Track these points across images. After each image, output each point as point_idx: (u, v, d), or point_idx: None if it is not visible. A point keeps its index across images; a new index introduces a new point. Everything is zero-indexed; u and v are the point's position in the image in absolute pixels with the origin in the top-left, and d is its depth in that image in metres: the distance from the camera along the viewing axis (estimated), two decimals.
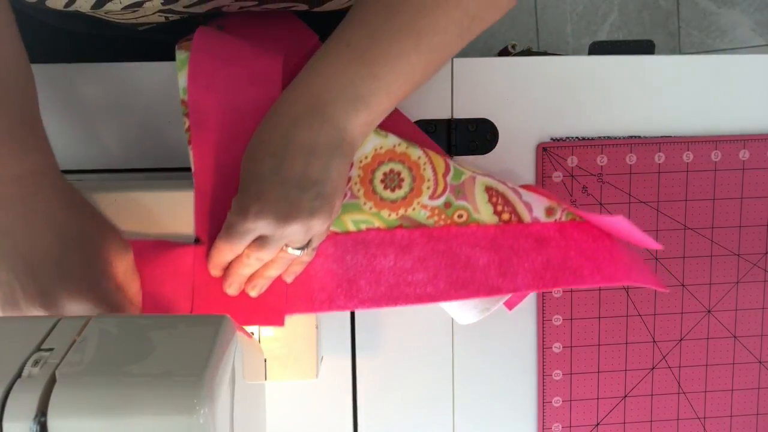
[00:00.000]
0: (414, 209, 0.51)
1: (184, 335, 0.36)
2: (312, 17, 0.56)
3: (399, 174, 0.51)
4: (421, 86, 0.46)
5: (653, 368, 0.61)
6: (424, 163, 0.51)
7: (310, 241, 0.46)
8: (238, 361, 0.43)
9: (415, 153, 0.51)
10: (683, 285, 0.61)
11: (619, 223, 0.50)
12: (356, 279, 0.51)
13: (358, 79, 0.43)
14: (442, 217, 0.52)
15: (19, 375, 0.33)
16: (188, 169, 0.56)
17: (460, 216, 0.52)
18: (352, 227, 0.51)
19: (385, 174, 0.51)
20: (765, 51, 1.54)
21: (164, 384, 0.32)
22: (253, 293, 0.48)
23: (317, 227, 0.45)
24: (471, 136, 0.57)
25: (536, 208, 0.53)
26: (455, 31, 0.44)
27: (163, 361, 0.34)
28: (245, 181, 0.44)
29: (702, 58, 0.59)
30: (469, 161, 0.58)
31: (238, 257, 0.46)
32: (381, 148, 0.50)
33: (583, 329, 0.60)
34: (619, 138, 0.59)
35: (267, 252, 0.45)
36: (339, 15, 0.56)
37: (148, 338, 0.36)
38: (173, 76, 0.55)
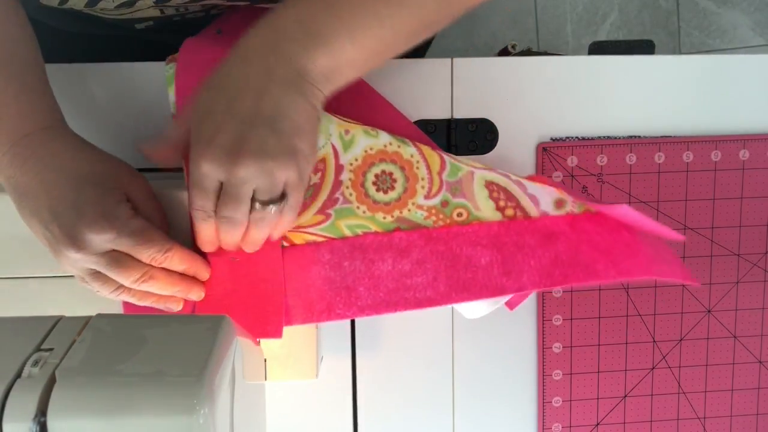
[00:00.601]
0: (409, 210, 0.50)
1: (184, 335, 0.36)
2: None
3: (391, 174, 0.49)
4: (394, 53, 0.45)
5: (653, 368, 0.61)
6: (417, 162, 0.49)
7: (284, 195, 0.43)
8: (238, 361, 0.43)
9: (408, 151, 0.49)
10: (683, 285, 0.61)
11: (626, 214, 0.48)
12: (355, 286, 0.50)
13: (320, 15, 0.42)
14: (441, 216, 0.50)
15: (19, 375, 0.33)
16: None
17: (459, 215, 0.50)
18: (348, 232, 0.50)
19: (376, 176, 0.49)
20: (765, 51, 1.54)
21: (164, 384, 0.32)
22: (249, 250, 0.47)
23: (279, 172, 0.41)
24: (471, 136, 0.57)
25: (543, 200, 0.50)
26: (434, 6, 0.43)
27: (162, 362, 0.34)
28: (195, 120, 0.42)
29: (702, 58, 0.59)
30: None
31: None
32: (371, 149, 0.49)
33: (583, 329, 0.60)
34: (619, 138, 0.59)
35: (232, 207, 0.42)
36: None
37: (147, 338, 0.36)
38: None
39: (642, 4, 1.53)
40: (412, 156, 0.49)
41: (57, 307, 0.52)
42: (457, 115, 0.57)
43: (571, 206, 0.50)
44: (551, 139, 0.58)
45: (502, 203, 0.50)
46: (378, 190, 0.49)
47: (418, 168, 0.50)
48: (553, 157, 0.58)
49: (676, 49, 1.54)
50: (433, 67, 0.56)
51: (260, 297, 0.49)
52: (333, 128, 0.48)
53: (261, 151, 0.40)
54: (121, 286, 0.45)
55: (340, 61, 0.43)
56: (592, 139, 0.58)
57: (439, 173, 0.50)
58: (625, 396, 0.61)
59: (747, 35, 1.54)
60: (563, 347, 0.60)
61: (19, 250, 0.50)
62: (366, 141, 0.49)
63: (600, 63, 0.58)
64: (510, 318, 0.59)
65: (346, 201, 0.49)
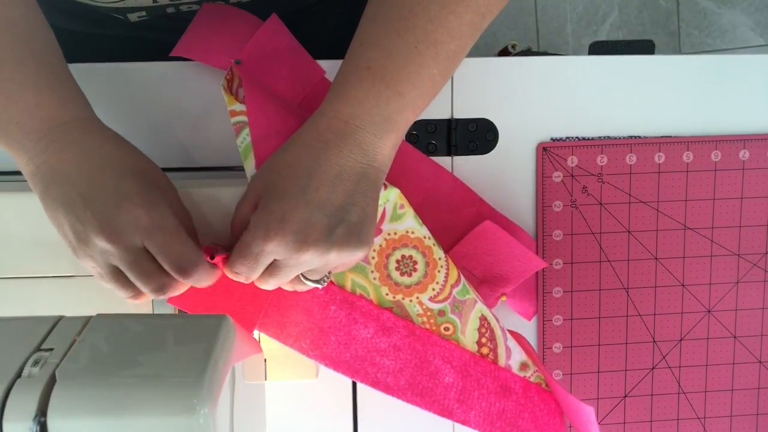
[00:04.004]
0: (411, 301, 0.52)
1: (184, 335, 0.36)
2: (305, 13, 0.56)
3: (415, 264, 0.51)
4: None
5: (653, 368, 0.61)
6: (441, 266, 0.52)
7: (332, 271, 0.46)
8: None
9: (438, 253, 0.52)
10: (683, 285, 0.61)
11: (587, 414, 0.51)
12: (329, 332, 0.51)
13: (383, 100, 0.42)
14: (431, 322, 0.52)
15: (19, 375, 0.33)
16: (186, 169, 0.56)
17: (446, 329, 0.52)
18: (348, 286, 0.51)
19: (403, 256, 0.51)
20: (765, 51, 1.54)
21: (164, 384, 0.32)
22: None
23: (338, 261, 0.43)
24: (471, 136, 0.57)
25: (514, 357, 0.53)
26: (469, 32, 0.43)
27: (163, 361, 0.34)
28: (268, 199, 0.43)
29: (702, 58, 0.59)
30: (470, 161, 0.58)
31: None
32: (412, 232, 0.51)
33: (583, 329, 0.60)
34: (619, 138, 0.59)
35: (275, 282, 0.44)
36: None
37: (148, 338, 0.36)
38: (172, 76, 0.55)
39: (642, 4, 1.53)
40: (439, 259, 0.52)
41: (57, 307, 0.52)
42: (457, 115, 0.57)
43: (532, 374, 0.54)
44: (551, 139, 0.58)
45: (484, 340, 0.53)
46: (397, 269, 0.52)
47: (439, 271, 0.52)
48: (553, 157, 0.58)
49: (676, 49, 1.54)
50: None
51: (246, 292, 0.49)
52: (393, 197, 0.51)
53: (328, 240, 0.42)
54: (139, 293, 0.44)
55: (402, 133, 0.45)
56: (592, 139, 0.58)
57: (453, 286, 0.52)
58: (625, 396, 0.61)
59: (747, 35, 1.54)
60: (563, 347, 0.60)
61: (19, 250, 0.50)
62: (411, 224, 0.51)
63: (600, 63, 0.58)
64: (510, 318, 0.59)
65: (366, 260, 0.51)
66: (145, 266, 0.42)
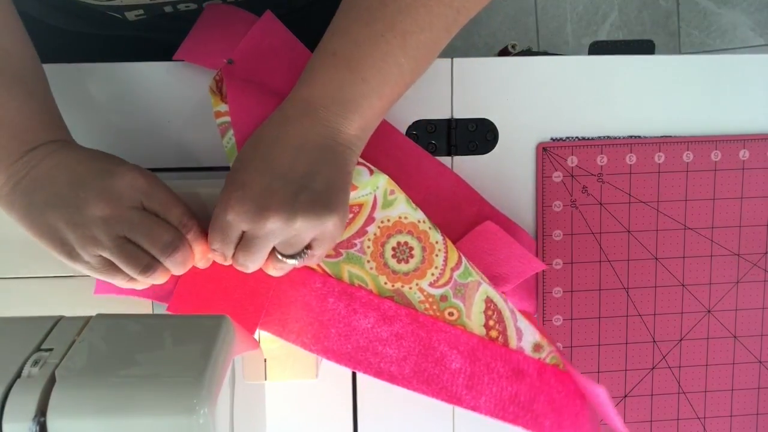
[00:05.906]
0: (410, 288, 0.51)
1: (184, 335, 0.36)
2: (302, 13, 0.56)
3: (411, 249, 0.51)
4: (414, 83, 0.46)
5: (653, 368, 0.61)
6: (439, 250, 0.51)
7: (309, 247, 0.45)
8: (238, 361, 0.43)
9: (435, 236, 0.51)
10: (683, 285, 0.61)
11: (597, 395, 0.49)
12: (329, 324, 0.51)
13: (347, 84, 0.43)
14: (434, 307, 0.51)
15: (18, 375, 0.33)
16: (186, 169, 0.56)
17: (450, 314, 0.52)
18: (346, 278, 0.51)
19: (399, 243, 0.51)
20: (765, 51, 1.54)
21: (164, 384, 0.32)
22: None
23: (307, 230, 0.43)
24: (471, 136, 0.57)
25: (525, 338, 0.52)
26: (441, 26, 0.44)
27: (162, 362, 0.34)
28: (234, 172, 0.44)
29: (702, 58, 0.59)
30: (469, 161, 0.58)
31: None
32: (406, 218, 0.51)
33: (583, 329, 0.60)
34: (619, 138, 0.59)
35: (251, 258, 0.44)
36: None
37: (147, 338, 0.36)
38: (172, 76, 0.55)
39: (642, 4, 1.53)
40: (436, 242, 0.51)
41: (57, 307, 0.52)
42: (457, 115, 0.57)
43: (547, 354, 0.52)
44: (551, 139, 0.58)
45: (491, 323, 0.52)
46: (394, 256, 0.51)
47: (437, 255, 0.51)
48: (553, 157, 0.58)
49: (676, 49, 1.54)
50: (433, 67, 0.56)
51: (245, 293, 0.49)
52: (382, 183, 0.50)
53: (290, 207, 0.42)
54: (150, 263, 0.43)
55: (370, 118, 0.45)
56: (592, 139, 0.58)
57: (453, 269, 0.51)
58: (625, 396, 0.61)
59: (747, 35, 1.54)
60: (563, 347, 0.60)
61: (19, 250, 0.51)
62: (404, 209, 0.51)
63: (600, 63, 0.58)
64: None
65: (361, 251, 0.51)
66: (149, 224, 0.43)
